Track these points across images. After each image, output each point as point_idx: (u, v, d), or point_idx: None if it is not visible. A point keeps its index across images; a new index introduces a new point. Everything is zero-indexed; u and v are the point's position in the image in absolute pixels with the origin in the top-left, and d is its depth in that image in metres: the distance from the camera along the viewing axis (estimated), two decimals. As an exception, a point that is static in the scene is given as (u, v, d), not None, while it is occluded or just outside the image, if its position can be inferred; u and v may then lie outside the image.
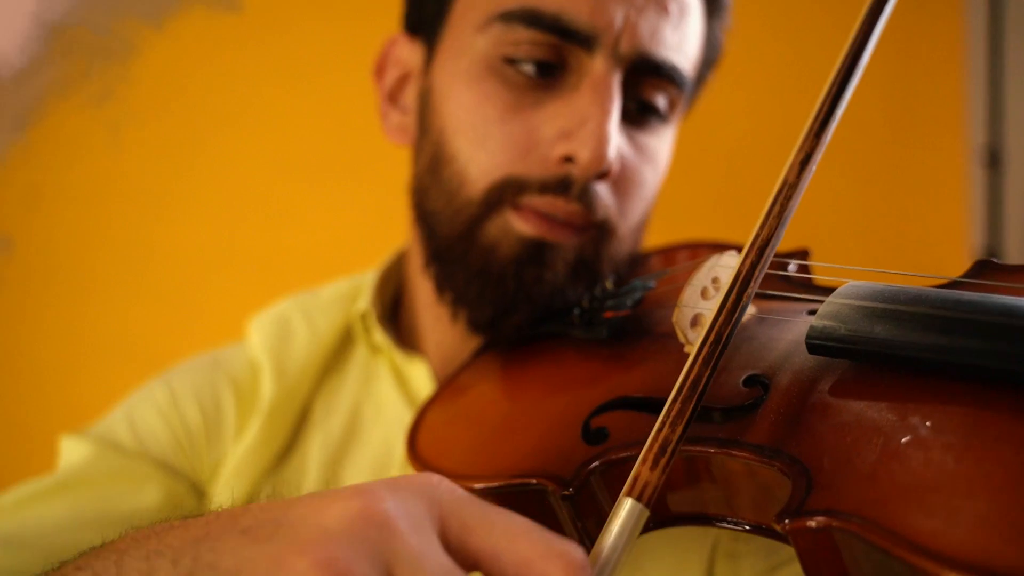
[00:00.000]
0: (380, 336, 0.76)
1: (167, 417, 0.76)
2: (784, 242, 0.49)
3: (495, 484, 0.53)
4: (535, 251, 0.63)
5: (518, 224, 0.63)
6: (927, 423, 0.41)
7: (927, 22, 1.62)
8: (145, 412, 0.77)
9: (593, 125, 0.60)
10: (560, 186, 0.62)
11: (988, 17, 1.63)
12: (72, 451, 0.74)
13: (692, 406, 0.42)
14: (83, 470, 0.71)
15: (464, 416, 0.62)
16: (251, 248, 1.54)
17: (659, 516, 0.50)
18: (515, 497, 0.53)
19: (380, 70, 0.76)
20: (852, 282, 0.48)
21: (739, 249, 0.57)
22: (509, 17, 0.62)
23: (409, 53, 0.73)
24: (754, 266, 0.44)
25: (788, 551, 0.61)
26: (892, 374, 0.45)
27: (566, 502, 0.50)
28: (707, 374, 0.43)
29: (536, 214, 0.63)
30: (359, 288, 0.83)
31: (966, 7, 1.64)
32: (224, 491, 0.75)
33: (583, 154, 0.60)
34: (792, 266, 0.61)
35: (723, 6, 0.74)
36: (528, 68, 0.63)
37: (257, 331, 0.81)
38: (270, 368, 0.77)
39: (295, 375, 0.78)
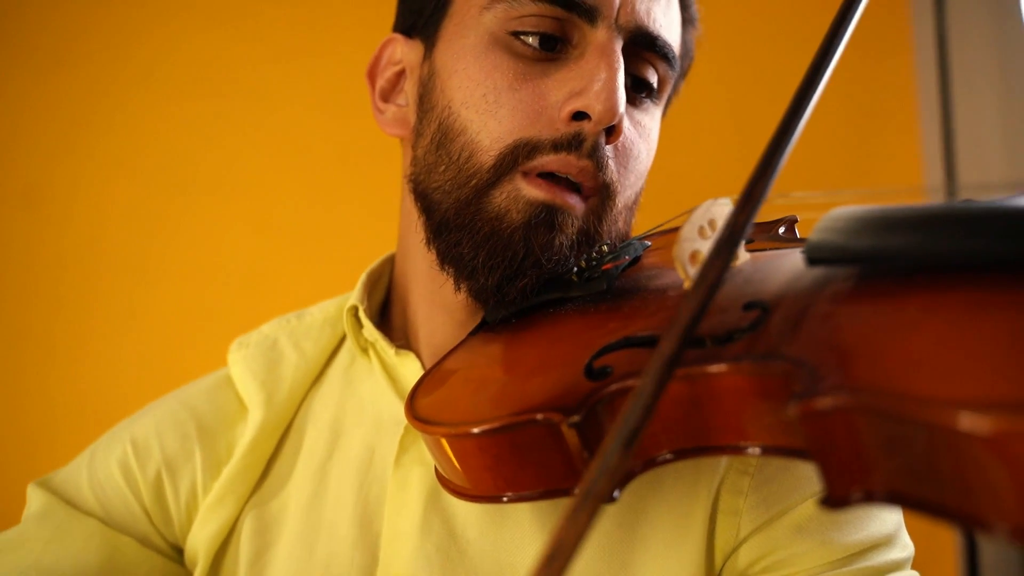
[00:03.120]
0: (370, 331, 0.76)
1: (127, 469, 0.76)
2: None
3: (497, 424, 0.52)
4: (545, 215, 0.64)
5: (527, 190, 0.64)
6: (925, 308, 0.42)
7: (882, 84, 1.73)
8: (106, 463, 0.77)
9: (604, 80, 0.62)
10: (572, 143, 0.64)
11: (938, 78, 1.77)
12: (32, 502, 0.75)
13: (708, 291, 0.43)
14: (33, 526, 0.73)
15: (463, 378, 0.62)
16: (234, 305, 1.53)
17: (671, 449, 0.50)
18: (518, 436, 0.52)
19: (373, 71, 0.78)
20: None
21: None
22: None
23: (405, 51, 0.75)
24: (765, 170, 0.46)
25: (785, 502, 0.61)
26: (888, 277, 0.46)
27: (573, 430, 0.49)
28: (720, 272, 0.44)
29: (545, 180, 0.64)
30: (345, 308, 0.83)
31: (918, 70, 1.76)
32: (205, 520, 0.74)
33: (595, 107, 0.62)
34: (781, 228, 0.64)
35: (695, 16, 0.79)
36: (533, 41, 0.65)
37: (240, 357, 0.80)
38: (260, 397, 0.76)
39: (283, 401, 0.77)
